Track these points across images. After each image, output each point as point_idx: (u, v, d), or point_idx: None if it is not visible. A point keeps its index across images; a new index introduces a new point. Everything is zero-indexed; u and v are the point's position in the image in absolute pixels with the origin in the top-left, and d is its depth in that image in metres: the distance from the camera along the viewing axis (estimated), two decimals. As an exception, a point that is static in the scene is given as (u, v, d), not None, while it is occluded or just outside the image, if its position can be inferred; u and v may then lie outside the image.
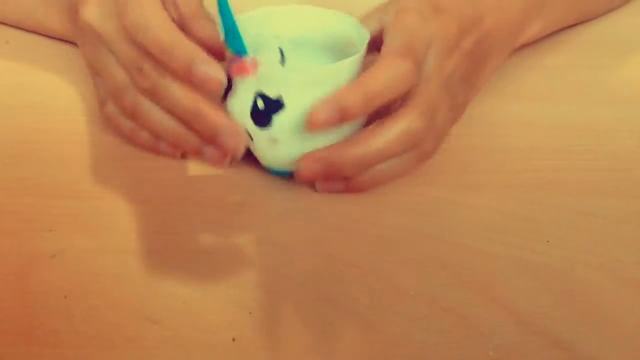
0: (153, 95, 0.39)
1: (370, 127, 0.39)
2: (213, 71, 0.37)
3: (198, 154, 0.41)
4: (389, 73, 0.37)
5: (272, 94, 0.39)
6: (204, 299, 0.36)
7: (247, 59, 0.39)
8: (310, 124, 0.37)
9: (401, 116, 0.38)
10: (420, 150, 0.40)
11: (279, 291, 0.37)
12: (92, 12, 0.40)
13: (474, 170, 0.42)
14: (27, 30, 0.48)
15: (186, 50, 0.37)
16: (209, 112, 0.39)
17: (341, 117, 0.37)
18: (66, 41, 0.51)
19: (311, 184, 0.41)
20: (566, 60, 0.48)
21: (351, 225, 0.40)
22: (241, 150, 0.40)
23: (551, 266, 0.38)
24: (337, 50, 0.44)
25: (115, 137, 0.44)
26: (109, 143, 0.44)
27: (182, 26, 0.40)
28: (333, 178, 0.40)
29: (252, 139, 0.40)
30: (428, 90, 0.39)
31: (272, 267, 0.38)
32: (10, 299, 0.36)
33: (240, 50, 0.39)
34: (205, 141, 0.40)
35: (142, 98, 0.40)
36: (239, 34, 0.39)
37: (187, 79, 0.37)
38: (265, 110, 0.39)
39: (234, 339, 0.35)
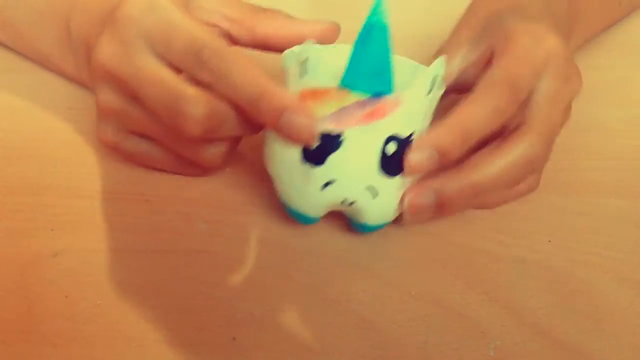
0: (213, 85, 0.35)
1: (481, 151, 0.35)
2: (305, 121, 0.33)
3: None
4: (485, 106, 0.34)
5: (406, 132, 0.34)
6: (204, 299, 0.36)
7: (391, 97, 0.34)
8: (408, 168, 0.34)
9: (520, 138, 0.35)
10: (533, 179, 0.38)
11: (279, 291, 0.37)
12: (134, 8, 0.35)
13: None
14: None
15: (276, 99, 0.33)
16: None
17: (441, 159, 0.33)
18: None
19: (419, 220, 0.36)
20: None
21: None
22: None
23: (551, 266, 0.38)
24: None
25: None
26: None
27: (241, 31, 0.38)
28: (442, 211, 0.35)
29: (376, 194, 0.34)
30: (547, 112, 0.36)
31: (272, 267, 0.38)
32: (11, 298, 0.36)
33: (385, 89, 0.34)
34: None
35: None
36: (390, 68, 0.34)
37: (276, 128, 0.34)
38: (397, 153, 0.34)
39: (234, 339, 0.35)
